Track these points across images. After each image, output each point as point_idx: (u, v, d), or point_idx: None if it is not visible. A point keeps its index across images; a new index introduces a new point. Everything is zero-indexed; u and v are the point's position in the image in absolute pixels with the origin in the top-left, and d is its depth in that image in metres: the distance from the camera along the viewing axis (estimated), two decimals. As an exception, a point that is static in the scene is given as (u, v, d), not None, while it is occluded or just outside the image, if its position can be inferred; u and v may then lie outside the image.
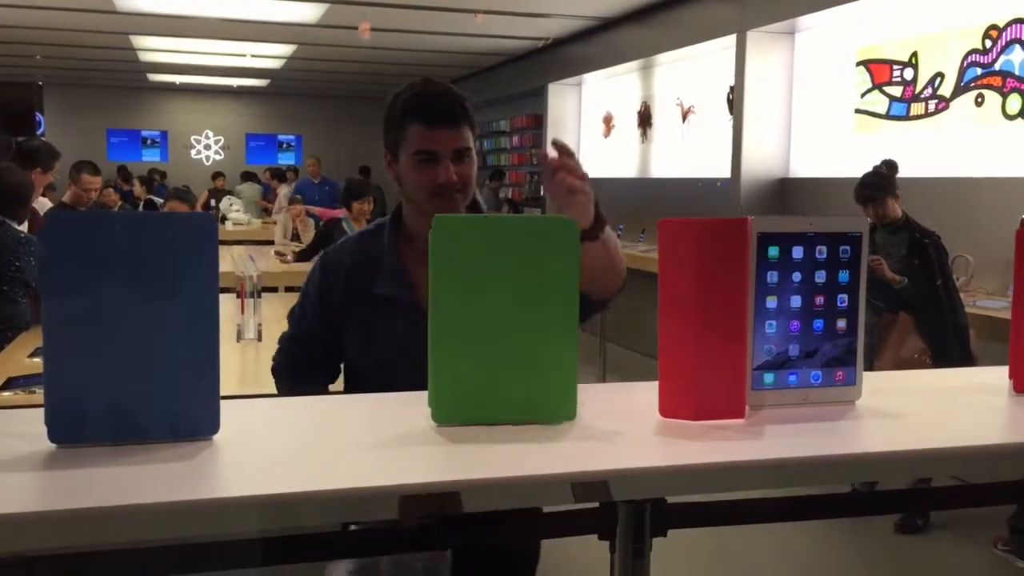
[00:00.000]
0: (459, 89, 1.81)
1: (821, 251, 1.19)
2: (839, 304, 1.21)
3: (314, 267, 1.95)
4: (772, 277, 1.18)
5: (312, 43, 11.02)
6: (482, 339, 1.08)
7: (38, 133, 16.07)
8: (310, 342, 1.92)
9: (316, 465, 0.97)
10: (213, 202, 12.61)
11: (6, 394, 2.89)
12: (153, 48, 11.99)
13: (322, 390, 1.95)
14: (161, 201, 10.33)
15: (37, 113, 16.86)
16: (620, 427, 1.14)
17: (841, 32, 6.49)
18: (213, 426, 1.02)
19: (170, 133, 17.34)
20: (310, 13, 9.08)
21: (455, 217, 1.09)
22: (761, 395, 1.20)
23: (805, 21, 6.64)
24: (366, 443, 1.03)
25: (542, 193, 11.48)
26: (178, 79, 15.62)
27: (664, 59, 8.65)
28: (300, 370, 1.96)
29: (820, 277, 1.20)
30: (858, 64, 6.29)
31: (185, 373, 1.00)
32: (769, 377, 1.20)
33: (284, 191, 11.23)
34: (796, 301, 1.20)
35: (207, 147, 17.51)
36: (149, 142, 17.23)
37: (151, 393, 0.99)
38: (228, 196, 12.53)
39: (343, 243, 1.97)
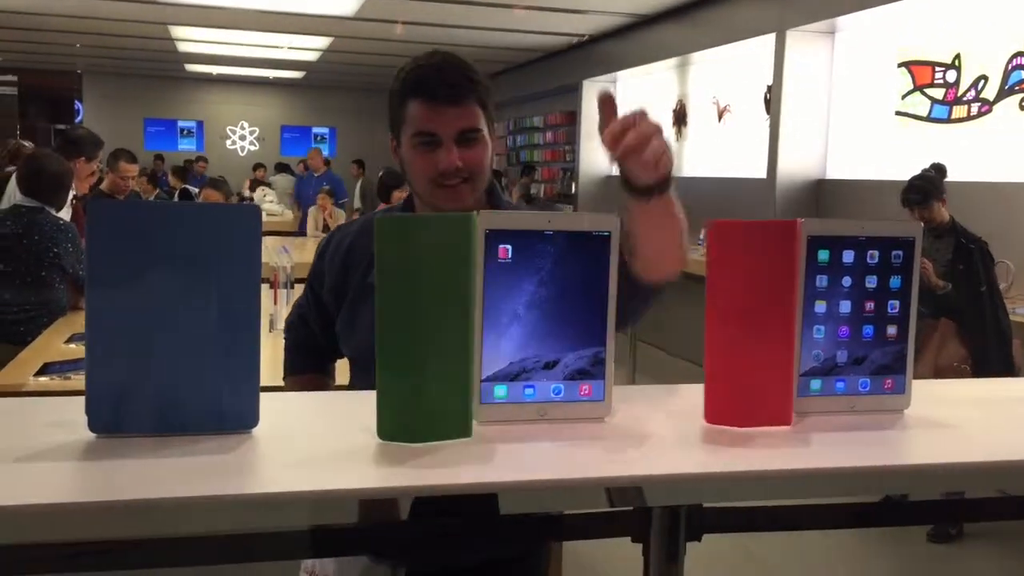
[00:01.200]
0: (472, 63, 1.58)
1: (873, 255, 1.16)
2: (890, 310, 1.18)
3: (317, 248, 1.85)
4: (821, 281, 1.15)
5: (348, 36, 11.05)
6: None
7: (76, 121, 16.27)
8: (305, 322, 1.86)
9: (355, 462, 0.96)
10: (247, 192, 12.70)
11: (43, 379, 2.92)
12: (191, 39, 12.09)
13: (323, 375, 1.90)
14: (197, 191, 10.41)
15: (76, 101, 17.06)
16: (660, 430, 1.12)
17: (882, 33, 6.40)
18: (253, 419, 1.01)
19: (206, 123, 17.49)
20: (347, 6, 9.10)
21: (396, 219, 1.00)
22: (807, 402, 1.17)
23: (845, 21, 6.56)
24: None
25: (573, 191, 11.45)
26: (215, 70, 15.75)
27: (700, 57, 8.59)
28: (297, 352, 1.89)
29: (871, 282, 1.17)
30: (899, 65, 6.21)
31: (226, 365, 0.99)
32: (816, 384, 1.18)
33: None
34: (845, 306, 1.17)
35: (242, 138, 17.66)
36: (185, 132, 17.40)
37: (192, 385, 0.98)
38: (262, 187, 12.62)
39: (348, 226, 1.83)
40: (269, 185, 13.16)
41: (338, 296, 1.73)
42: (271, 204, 11.16)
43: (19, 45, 13.47)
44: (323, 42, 11.88)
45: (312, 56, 13.24)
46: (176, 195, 11.20)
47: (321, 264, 1.79)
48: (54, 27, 11.33)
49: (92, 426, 0.96)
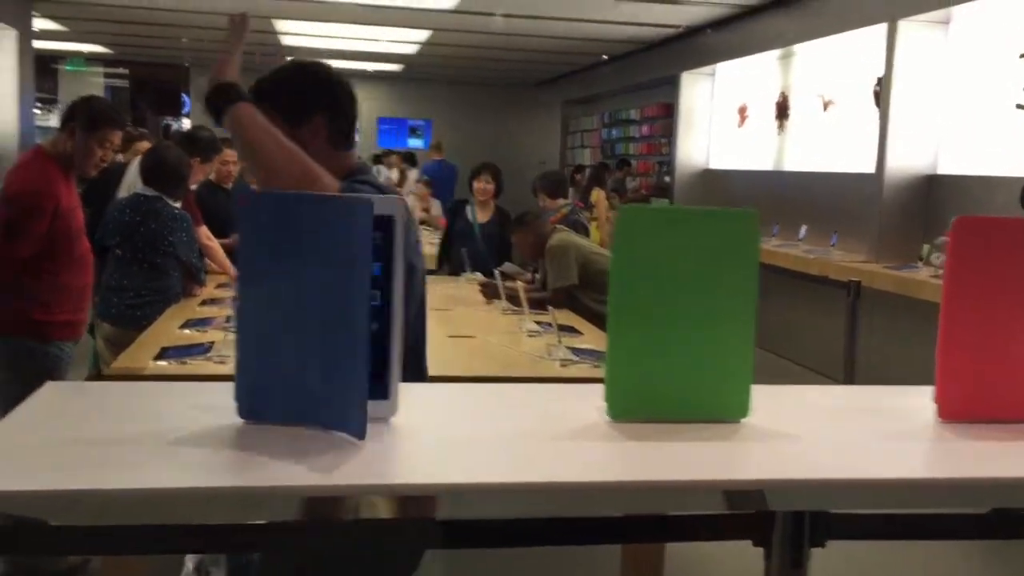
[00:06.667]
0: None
1: None
2: None
3: None
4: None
5: (448, 29, 11.13)
6: (661, 334, 1.05)
7: (183, 112, 16.79)
8: None
9: (489, 456, 0.96)
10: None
11: (162, 363, 3.01)
12: (294, 32, 12.34)
13: None
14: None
15: (183, 94, 17.62)
16: (795, 431, 1.09)
17: (1000, 22, 6.14)
18: (391, 408, 1.02)
19: (306, 115, 17.79)
20: (447, -1, 9.17)
21: (643, 209, 1.06)
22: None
23: (961, 10, 6.31)
24: (540, 435, 1.01)
25: (668, 182, 11.33)
26: (316, 63, 16.03)
27: (805, 48, 8.37)
28: None
29: None
30: (1021, 56, 5.94)
31: (366, 360, 1.00)
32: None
33: (413, 175, 11.41)
34: None
35: (340, 129, 17.92)
36: (286, 123, 17.73)
37: (334, 379, 0.99)
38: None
39: None
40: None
41: None
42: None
43: (130, 39, 13.96)
44: (422, 35, 11.99)
45: (411, 49, 13.38)
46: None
47: None
48: (162, 20, 11.70)
49: (241, 412, 0.99)
